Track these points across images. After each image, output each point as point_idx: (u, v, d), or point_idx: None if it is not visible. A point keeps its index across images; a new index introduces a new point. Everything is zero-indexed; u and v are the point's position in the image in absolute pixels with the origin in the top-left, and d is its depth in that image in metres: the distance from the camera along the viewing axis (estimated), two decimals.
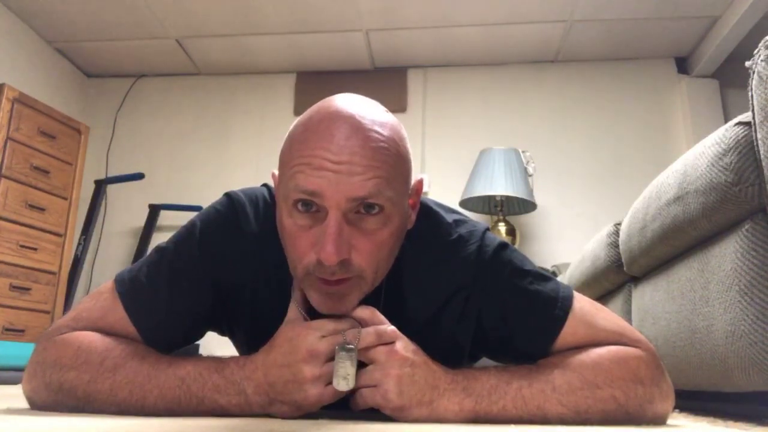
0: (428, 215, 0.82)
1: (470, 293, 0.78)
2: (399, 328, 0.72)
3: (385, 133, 0.69)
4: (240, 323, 0.84)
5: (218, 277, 0.80)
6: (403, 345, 0.70)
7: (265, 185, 0.88)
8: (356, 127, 0.67)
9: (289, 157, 0.69)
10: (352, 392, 0.69)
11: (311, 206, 0.67)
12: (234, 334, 0.89)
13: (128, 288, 0.78)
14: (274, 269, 0.80)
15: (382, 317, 0.72)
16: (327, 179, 0.65)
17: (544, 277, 0.80)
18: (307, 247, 0.67)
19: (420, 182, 0.78)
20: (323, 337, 0.69)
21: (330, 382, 0.68)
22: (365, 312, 0.71)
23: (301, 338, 0.68)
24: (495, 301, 0.78)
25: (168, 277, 0.79)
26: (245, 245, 0.80)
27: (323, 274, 0.67)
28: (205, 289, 0.79)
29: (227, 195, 0.84)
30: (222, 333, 0.90)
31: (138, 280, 0.79)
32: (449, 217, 0.83)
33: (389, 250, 0.71)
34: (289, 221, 0.69)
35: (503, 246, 0.81)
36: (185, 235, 0.82)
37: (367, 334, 0.69)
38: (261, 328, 0.80)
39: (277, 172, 0.75)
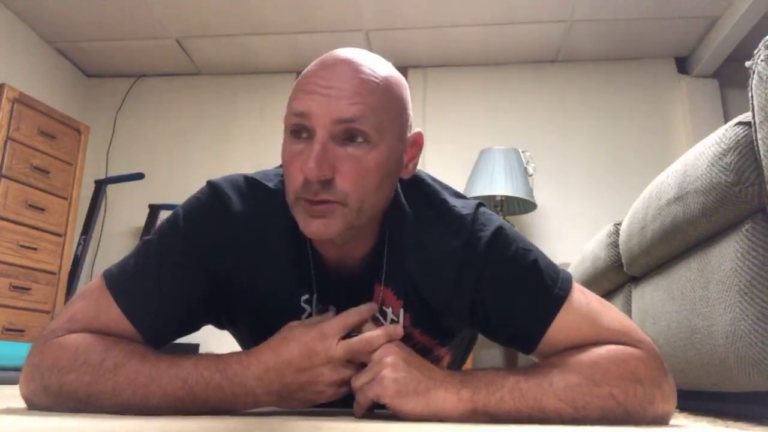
0: (426, 186, 0.87)
1: (464, 261, 0.79)
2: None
3: (380, 73, 0.74)
4: (240, 311, 0.85)
5: (210, 265, 0.80)
6: (397, 342, 0.73)
7: (243, 175, 0.89)
8: (351, 62, 0.73)
9: (291, 94, 0.76)
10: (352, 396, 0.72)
11: (303, 132, 0.72)
12: (236, 325, 0.89)
13: (117, 281, 0.78)
14: (268, 248, 0.81)
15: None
16: (316, 101, 0.71)
17: (545, 257, 0.81)
18: (297, 170, 0.71)
19: (420, 135, 0.81)
20: (338, 339, 0.72)
21: (343, 383, 0.72)
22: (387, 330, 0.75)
23: (318, 343, 0.71)
24: (496, 278, 0.78)
25: (156, 266, 0.78)
26: (234, 227, 0.81)
27: (307, 194, 0.70)
28: (195, 276, 0.79)
29: (208, 183, 0.85)
30: (220, 326, 0.90)
31: (126, 272, 0.79)
32: (444, 191, 0.88)
33: (376, 183, 0.73)
34: (286, 148, 0.74)
35: (504, 225, 0.82)
36: (169, 226, 0.82)
37: (378, 331, 0.73)
38: (262, 311, 0.81)
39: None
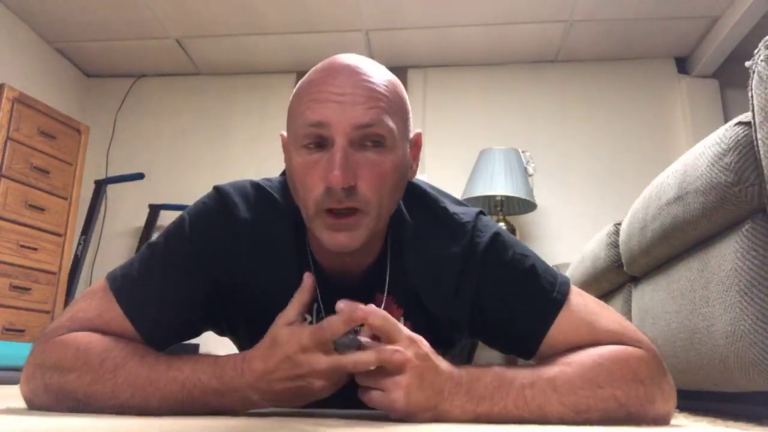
0: (426, 194, 0.86)
1: (464, 269, 0.78)
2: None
3: (384, 77, 0.76)
4: (241, 318, 0.84)
5: (213, 270, 0.79)
6: (415, 352, 0.68)
7: (250, 181, 0.88)
8: (356, 69, 0.74)
9: (296, 104, 0.75)
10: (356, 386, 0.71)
11: (319, 143, 0.72)
12: (236, 333, 0.89)
13: (121, 284, 0.78)
14: (271, 256, 0.81)
15: (393, 321, 0.70)
16: (332, 110, 0.71)
17: (542, 262, 0.81)
18: (317, 180, 0.71)
19: (419, 135, 0.82)
20: (324, 350, 0.67)
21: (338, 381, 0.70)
22: (377, 319, 0.69)
23: (300, 355, 0.67)
24: (495, 284, 0.78)
25: (160, 271, 0.78)
26: (239, 234, 0.80)
27: (332, 203, 0.70)
28: (198, 281, 0.79)
29: (215, 188, 0.85)
30: (221, 333, 0.90)
31: (130, 275, 0.79)
32: (445, 198, 0.88)
33: (392, 186, 0.74)
34: (299, 161, 0.73)
35: (501, 231, 0.82)
36: (175, 230, 0.82)
37: (369, 355, 0.68)
38: (262, 319, 0.80)
39: (285, 133, 0.80)
